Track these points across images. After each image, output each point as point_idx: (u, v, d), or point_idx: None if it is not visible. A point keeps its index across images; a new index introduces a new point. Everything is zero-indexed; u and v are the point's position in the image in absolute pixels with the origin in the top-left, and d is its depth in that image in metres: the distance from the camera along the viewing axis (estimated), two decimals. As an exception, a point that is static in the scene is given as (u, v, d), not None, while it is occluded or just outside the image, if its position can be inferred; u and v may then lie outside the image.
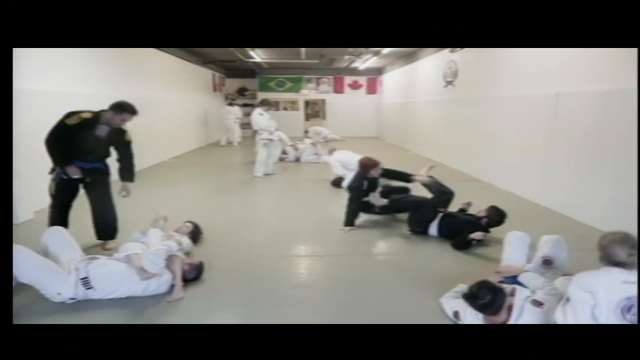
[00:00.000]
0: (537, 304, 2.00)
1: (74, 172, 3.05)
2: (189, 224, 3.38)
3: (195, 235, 3.39)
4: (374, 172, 4.01)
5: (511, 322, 2.00)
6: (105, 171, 3.29)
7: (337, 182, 6.01)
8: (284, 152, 8.63)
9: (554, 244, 2.53)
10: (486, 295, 1.96)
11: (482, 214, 3.60)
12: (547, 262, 2.45)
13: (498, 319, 2.01)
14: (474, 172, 6.66)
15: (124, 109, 3.07)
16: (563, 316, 1.84)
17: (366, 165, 4.01)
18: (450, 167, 7.39)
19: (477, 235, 3.31)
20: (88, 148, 3.11)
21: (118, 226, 3.40)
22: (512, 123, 5.46)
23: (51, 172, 3.11)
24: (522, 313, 2.00)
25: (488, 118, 6.20)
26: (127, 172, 3.35)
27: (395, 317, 2.35)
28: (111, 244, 3.32)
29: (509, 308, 2.02)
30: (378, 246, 3.64)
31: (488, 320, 2.05)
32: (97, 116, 3.08)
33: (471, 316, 2.12)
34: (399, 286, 2.77)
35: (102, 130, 3.11)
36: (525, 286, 2.23)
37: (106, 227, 3.35)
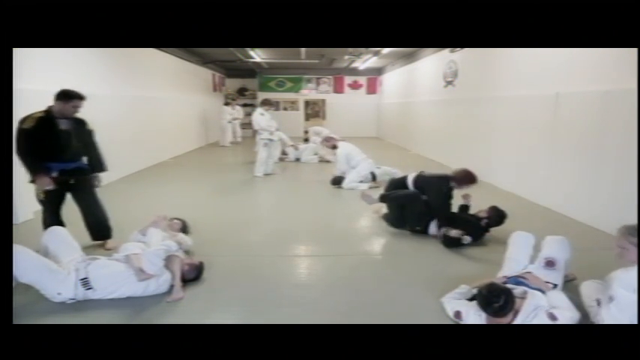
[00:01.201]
0: (552, 317, 1.97)
1: (44, 183, 2.95)
2: (177, 221, 3.36)
3: (184, 232, 3.37)
4: (465, 186, 3.70)
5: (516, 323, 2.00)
6: (88, 170, 3.24)
7: (337, 181, 6.02)
8: (284, 152, 8.64)
9: (557, 245, 2.52)
10: (500, 298, 1.95)
11: (483, 214, 3.61)
12: (550, 264, 2.44)
13: (504, 320, 2.00)
14: (473, 171, 6.64)
15: (71, 95, 2.99)
16: (608, 315, 1.86)
17: (463, 178, 3.69)
18: (449, 167, 7.37)
19: (464, 239, 3.31)
20: (60, 146, 3.02)
21: (110, 224, 3.37)
22: (513, 123, 5.45)
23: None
24: (533, 320, 1.98)
25: (488, 118, 6.20)
26: (97, 161, 3.28)
27: (395, 317, 2.35)
28: (111, 244, 3.31)
29: (516, 311, 2.01)
30: (378, 246, 3.64)
31: (491, 322, 2.04)
32: (49, 112, 3.00)
33: (474, 317, 2.12)
34: (400, 286, 2.76)
35: (64, 124, 3.03)
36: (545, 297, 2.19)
37: (99, 227, 3.33)
